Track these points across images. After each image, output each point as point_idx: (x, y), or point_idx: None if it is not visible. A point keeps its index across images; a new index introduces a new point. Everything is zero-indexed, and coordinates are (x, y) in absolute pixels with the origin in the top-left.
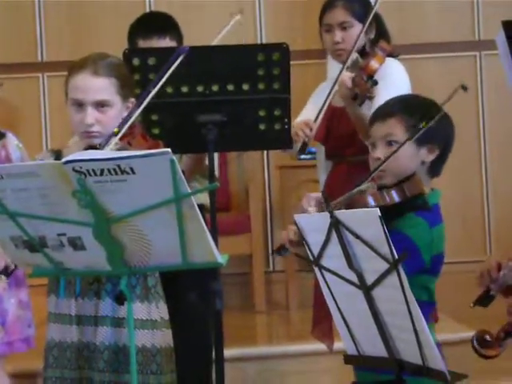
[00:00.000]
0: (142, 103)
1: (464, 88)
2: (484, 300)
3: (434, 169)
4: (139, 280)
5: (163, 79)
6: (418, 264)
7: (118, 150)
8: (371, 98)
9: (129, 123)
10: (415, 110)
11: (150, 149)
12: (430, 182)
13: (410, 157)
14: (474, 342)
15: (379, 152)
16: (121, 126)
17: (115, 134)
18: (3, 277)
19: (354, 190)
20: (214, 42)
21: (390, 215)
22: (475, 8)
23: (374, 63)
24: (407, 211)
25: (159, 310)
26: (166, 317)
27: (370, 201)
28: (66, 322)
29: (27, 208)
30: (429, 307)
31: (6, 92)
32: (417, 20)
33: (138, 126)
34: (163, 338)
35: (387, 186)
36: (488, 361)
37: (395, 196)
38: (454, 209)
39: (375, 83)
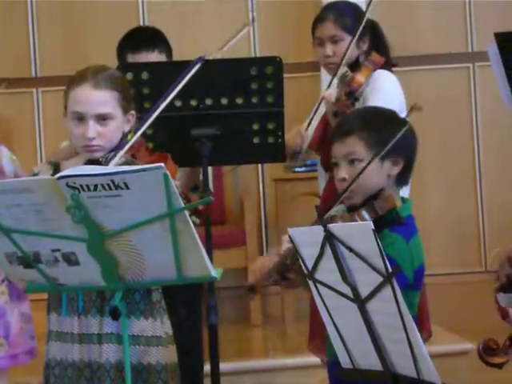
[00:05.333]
0: (156, 110)
1: (418, 109)
2: (508, 288)
3: (401, 179)
4: (143, 295)
5: (179, 87)
6: (402, 282)
7: (123, 163)
8: None
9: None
10: (374, 125)
11: (155, 162)
12: (399, 192)
13: (375, 173)
14: (480, 349)
15: (343, 172)
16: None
17: (127, 142)
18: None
19: (325, 216)
20: (225, 48)
21: None
22: (468, 20)
23: (359, 77)
24: (382, 228)
25: (164, 326)
26: (170, 332)
27: None
28: (67, 340)
29: (21, 224)
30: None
31: (1, 107)
32: (410, 32)
33: (140, 140)
34: (168, 354)
35: (357, 206)
36: (485, 372)
37: (366, 217)
38: (449, 222)
39: (356, 100)
